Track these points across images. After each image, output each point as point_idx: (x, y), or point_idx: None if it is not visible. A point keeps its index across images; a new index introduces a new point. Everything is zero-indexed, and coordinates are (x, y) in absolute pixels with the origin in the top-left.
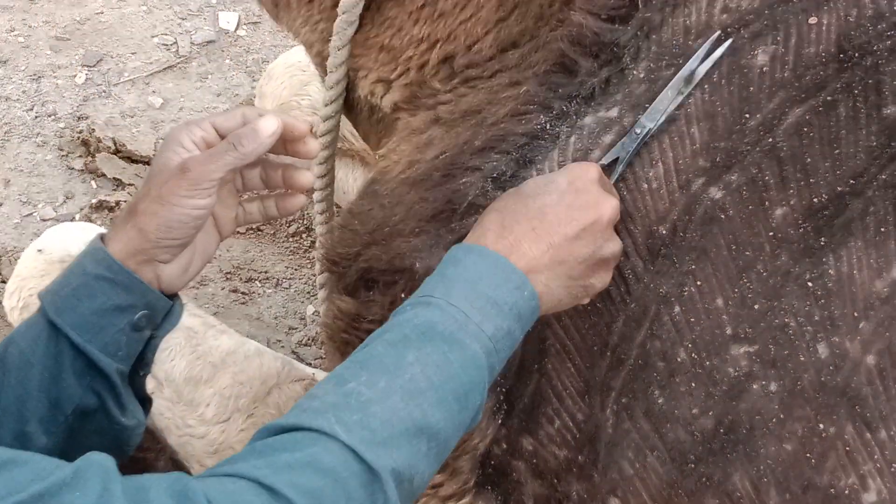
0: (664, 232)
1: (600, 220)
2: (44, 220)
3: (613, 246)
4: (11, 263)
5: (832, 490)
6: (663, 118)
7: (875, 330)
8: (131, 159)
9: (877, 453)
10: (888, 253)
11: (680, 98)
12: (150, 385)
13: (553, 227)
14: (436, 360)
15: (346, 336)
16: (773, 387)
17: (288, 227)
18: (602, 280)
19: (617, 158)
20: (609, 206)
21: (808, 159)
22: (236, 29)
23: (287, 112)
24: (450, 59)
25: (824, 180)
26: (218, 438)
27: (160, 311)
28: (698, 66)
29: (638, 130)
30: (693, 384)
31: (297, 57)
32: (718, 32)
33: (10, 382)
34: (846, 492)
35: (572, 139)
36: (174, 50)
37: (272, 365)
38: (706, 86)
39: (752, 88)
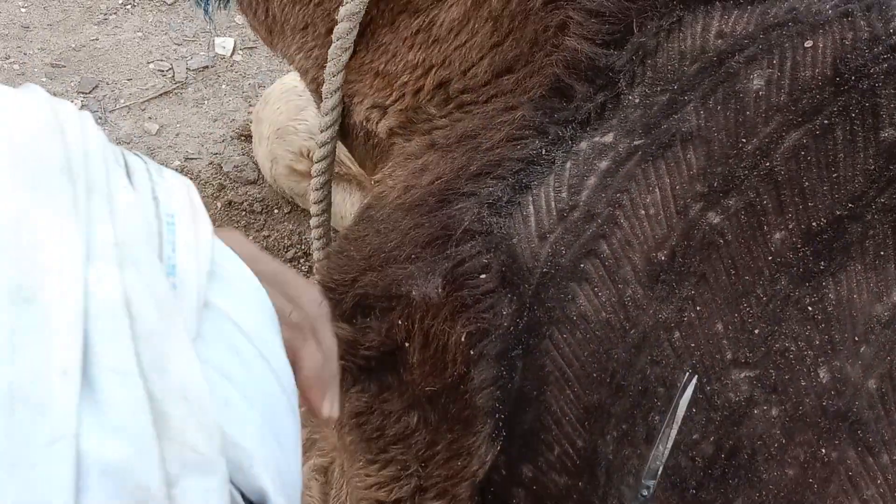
0: (663, 258)
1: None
2: None
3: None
4: None
5: None
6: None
7: (876, 354)
8: None
9: (879, 478)
10: (888, 277)
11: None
12: None
13: None
14: None
15: (343, 363)
16: (774, 412)
17: (286, 252)
18: None
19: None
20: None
21: (806, 183)
22: (232, 54)
23: (284, 137)
24: (445, 85)
25: (822, 204)
26: None
27: None
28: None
29: (645, 493)
30: (693, 409)
31: (293, 82)
32: (689, 374)
33: None
34: None
35: (568, 164)
36: (170, 76)
37: None
38: (702, 112)
39: (748, 113)
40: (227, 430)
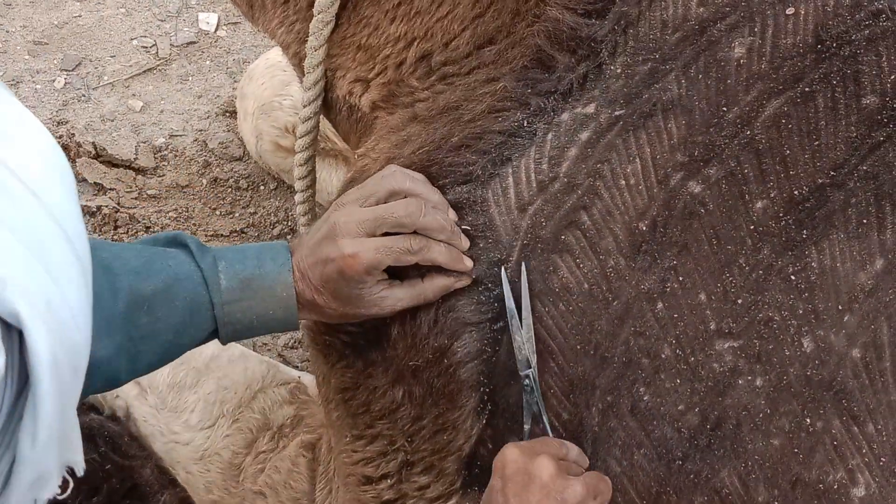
0: (644, 228)
1: (542, 483)
2: None
3: (574, 488)
4: None
5: (821, 485)
6: (535, 358)
7: (860, 323)
8: (112, 164)
9: (865, 447)
10: (871, 245)
11: (531, 335)
12: (133, 392)
13: None
14: None
15: (327, 339)
16: (758, 382)
17: (272, 228)
18: None
19: (534, 415)
20: (540, 466)
21: (788, 151)
22: (216, 30)
23: (269, 113)
24: (427, 57)
25: (804, 172)
26: (203, 444)
27: None
28: (517, 303)
29: (526, 382)
30: (678, 380)
31: (277, 57)
32: (503, 269)
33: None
34: (835, 486)
35: (549, 136)
36: (154, 52)
37: (257, 369)
38: (683, 81)
39: (729, 81)
40: None
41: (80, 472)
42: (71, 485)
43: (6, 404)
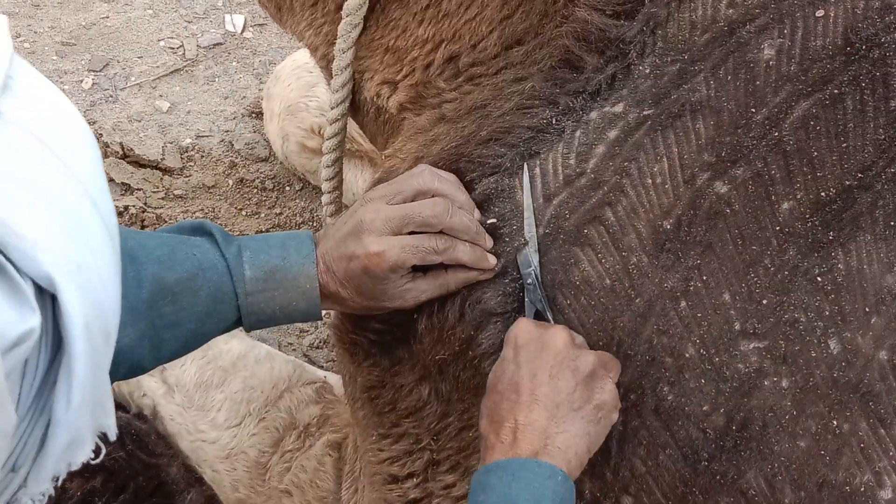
0: (668, 227)
1: (556, 350)
2: None
3: (586, 357)
4: None
5: (847, 487)
6: (537, 257)
7: (887, 325)
8: (139, 164)
9: (892, 450)
10: None
11: (533, 234)
12: (160, 390)
13: (526, 388)
14: None
15: (354, 337)
16: (784, 383)
17: (297, 229)
18: (603, 389)
19: (536, 313)
20: (554, 335)
21: (815, 153)
22: (243, 31)
23: (295, 114)
24: (455, 59)
25: (832, 174)
26: (230, 443)
27: None
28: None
29: (529, 281)
30: (703, 380)
31: (304, 58)
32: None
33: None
34: (861, 489)
35: (578, 133)
36: (181, 53)
37: (283, 368)
38: (712, 81)
39: (757, 82)
40: (8, 219)
41: (112, 436)
42: (103, 450)
43: (41, 368)
